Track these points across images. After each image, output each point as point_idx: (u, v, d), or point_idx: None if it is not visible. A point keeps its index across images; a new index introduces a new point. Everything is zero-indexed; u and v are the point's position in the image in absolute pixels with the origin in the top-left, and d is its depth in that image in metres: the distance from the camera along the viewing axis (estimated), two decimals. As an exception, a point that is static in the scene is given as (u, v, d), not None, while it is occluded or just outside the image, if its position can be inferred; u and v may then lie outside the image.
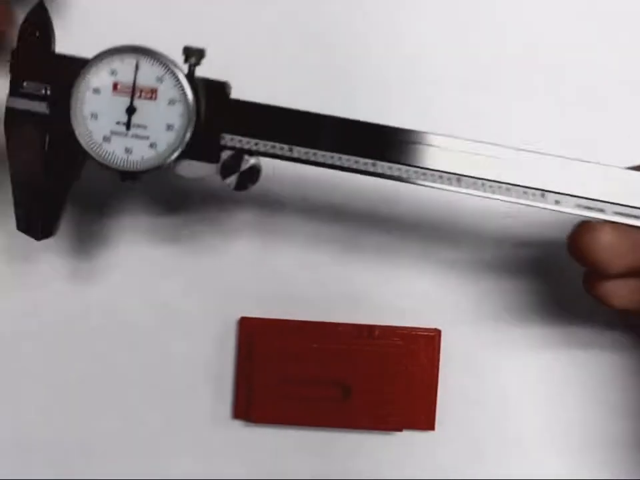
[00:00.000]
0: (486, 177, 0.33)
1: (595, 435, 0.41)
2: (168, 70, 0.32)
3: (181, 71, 0.32)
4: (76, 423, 0.41)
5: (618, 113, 0.41)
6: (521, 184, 0.33)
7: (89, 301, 0.41)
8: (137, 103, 0.32)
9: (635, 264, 0.32)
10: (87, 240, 0.40)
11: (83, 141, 0.32)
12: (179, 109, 0.32)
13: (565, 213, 0.33)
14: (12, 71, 0.33)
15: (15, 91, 0.33)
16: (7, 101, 0.33)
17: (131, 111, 0.32)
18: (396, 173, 0.33)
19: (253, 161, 0.33)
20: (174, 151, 0.32)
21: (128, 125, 0.32)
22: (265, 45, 0.41)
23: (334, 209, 0.41)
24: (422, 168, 0.33)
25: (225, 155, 0.33)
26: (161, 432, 0.41)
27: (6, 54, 0.33)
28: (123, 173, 0.33)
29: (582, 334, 0.41)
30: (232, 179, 0.33)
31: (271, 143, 0.33)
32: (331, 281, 0.41)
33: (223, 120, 0.33)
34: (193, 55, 0.33)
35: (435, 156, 0.33)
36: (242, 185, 0.33)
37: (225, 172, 0.33)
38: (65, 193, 0.34)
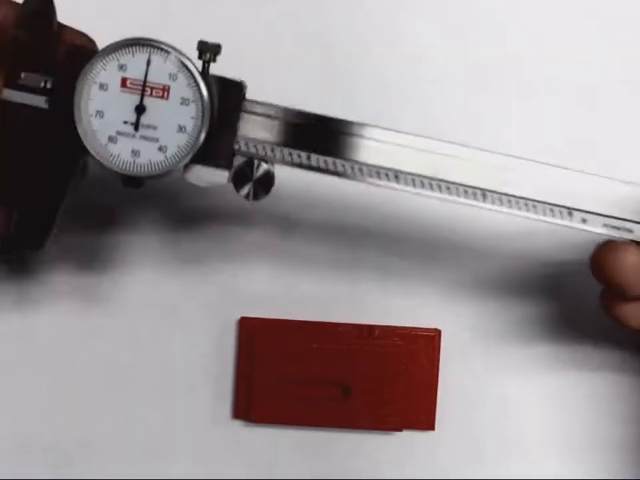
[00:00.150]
0: (511, 193, 0.31)
1: (594, 436, 0.41)
2: (182, 67, 0.30)
3: (196, 68, 0.30)
4: (76, 423, 0.40)
5: (618, 113, 0.41)
6: (547, 201, 0.31)
7: (89, 301, 0.41)
8: (147, 101, 0.30)
9: None
10: (90, 248, 0.41)
11: (86, 140, 0.30)
12: (192, 109, 0.30)
13: (592, 232, 0.32)
14: (8, 60, 0.30)
15: (11, 81, 0.30)
16: (2, 93, 0.30)
17: (140, 109, 0.30)
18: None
19: (265, 166, 0.31)
20: (185, 155, 0.30)
21: (136, 125, 0.30)
22: (265, 45, 0.41)
23: (336, 212, 0.41)
24: (439, 181, 0.31)
25: (238, 161, 0.31)
26: (161, 432, 0.41)
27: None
28: (126, 178, 0.30)
29: (585, 339, 0.41)
30: (246, 190, 0.31)
31: (289, 150, 0.31)
32: (331, 281, 0.41)
33: (237, 123, 0.31)
34: (208, 50, 0.31)
35: (452, 169, 0.31)
36: (256, 195, 0.31)
37: (238, 179, 0.31)
38: (61, 200, 0.31)
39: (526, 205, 0.31)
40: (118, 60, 0.30)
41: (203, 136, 0.30)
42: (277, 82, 0.41)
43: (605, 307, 0.33)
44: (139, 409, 0.41)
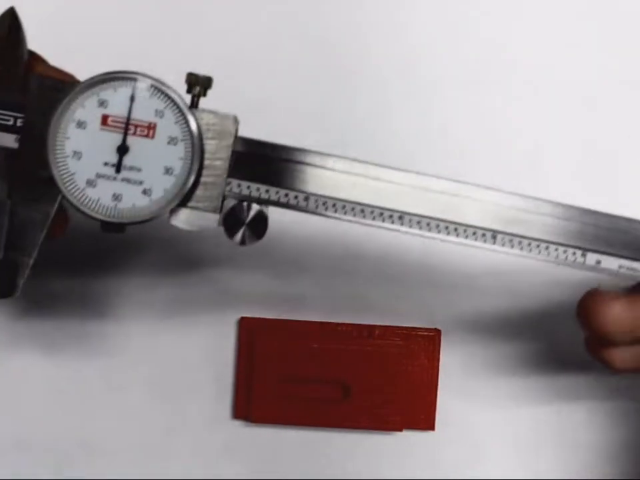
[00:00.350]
0: (524, 235, 0.30)
1: (594, 435, 0.41)
2: (170, 102, 0.28)
3: (185, 104, 0.28)
4: (76, 422, 0.40)
5: (618, 113, 0.41)
6: (561, 242, 0.30)
7: (88, 297, 0.41)
8: (130, 140, 0.27)
9: None
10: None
11: (61, 184, 0.27)
12: (180, 149, 0.28)
13: (607, 273, 0.30)
14: None
15: None
16: None
17: (122, 150, 0.27)
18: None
19: (258, 208, 0.29)
20: (172, 199, 0.28)
21: (118, 167, 0.27)
22: (265, 45, 0.41)
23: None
24: (449, 222, 0.29)
25: (229, 203, 0.29)
26: (161, 432, 0.41)
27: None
28: (106, 224, 0.28)
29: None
30: (238, 235, 0.29)
31: (285, 191, 0.29)
32: (331, 281, 0.41)
33: (229, 162, 0.28)
34: (198, 83, 0.28)
35: (461, 210, 0.29)
36: (249, 239, 0.29)
37: (229, 223, 0.29)
38: (35, 246, 0.28)
39: (538, 246, 0.30)
40: (98, 95, 0.27)
41: (192, 178, 0.28)
42: (277, 82, 0.41)
43: (589, 351, 0.33)
44: (139, 408, 0.41)
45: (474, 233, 0.29)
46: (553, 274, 0.38)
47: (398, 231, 0.29)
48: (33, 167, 0.28)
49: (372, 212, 0.29)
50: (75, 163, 0.27)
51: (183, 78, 0.41)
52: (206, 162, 0.28)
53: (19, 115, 0.28)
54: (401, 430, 0.40)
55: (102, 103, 0.27)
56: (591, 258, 0.30)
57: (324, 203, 0.29)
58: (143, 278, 0.41)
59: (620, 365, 0.32)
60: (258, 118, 0.40)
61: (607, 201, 0.42)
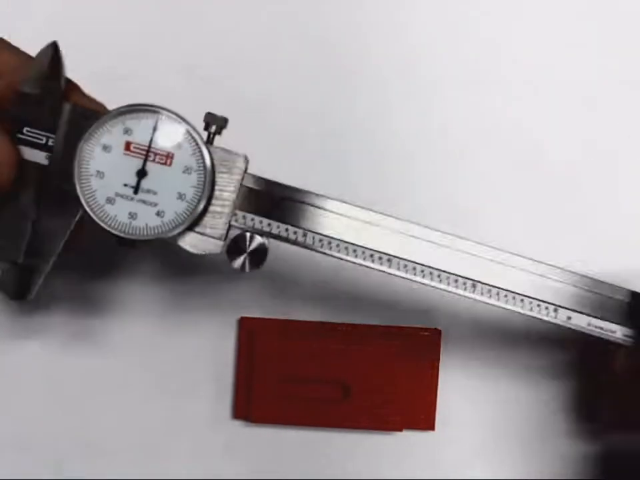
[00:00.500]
0: (502, 287, 0.32)
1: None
2: (188, 136, 0.30)
3: (202, 139, 0.31)
4: (76, 422, 0.40)
5: (618, 113, 0.41)
6: (534, 296, 0.33)
7: (88, 297, 0.41)
8: (149, 166, 0.30)
9: None
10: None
11: (83, 199, 0.30)
12: (193, 178, 0.30)
13: (577, 329, 0.33)
14: (14, 115, 0.31)
15: (12, 136, 0.30)
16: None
17: (141, 174, 0.30)
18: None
19: (260, 240, 0.31)
20: (182, 222, 0.30)
21: (136, 189, 0.30)
22: (265, 45, 0.41)
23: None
24: (432, 269, 0.32)
25: (234, 232, 0.31)
26: (161, 432, 0.41)
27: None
28: (121, 238, 0.30)
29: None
30: (239, 262, 0.32)
31: (285, 226, 0.32)
32: (331, 281, 0.41)
33: (236, 195, 0.31)
34: (215, 123, 0.31)
35: (453, 260, 0.32)
36: (248, 267, 0.32)
37: (231, 250, 0.31)
38: (52, 254, 0.31)
39: (514, 298, 0.32)
40: (124, 123, 0.30)
41: (202, 205, 0.30)
42: (277, 82, 0.41)
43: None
44: (139, 409, 0.41)
45: (456, 281, 0.32)
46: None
47: (384, 272, 0.32)
48: (59, 182, 0.31)
49: (363, 252, 0.32)
50: (97, 182, 0.30)
51: (183, 78, 0.41)
52: (216, 192, 0.31)
53: (51, 135, 0.31)
54: (401, 430, 0.40)
55: (127, 131, 0.30)
56: (562, 314, 0.33)
57: (320, 240, 0.32)
58: (143, 278, 0.41)
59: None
60: (258, 118, 0.41)
61: (607, 201, 0.42)
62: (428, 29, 0.41)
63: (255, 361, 0.40)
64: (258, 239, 0.31)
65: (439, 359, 0.40)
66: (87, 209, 0.30)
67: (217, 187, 0.31)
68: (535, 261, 0.33)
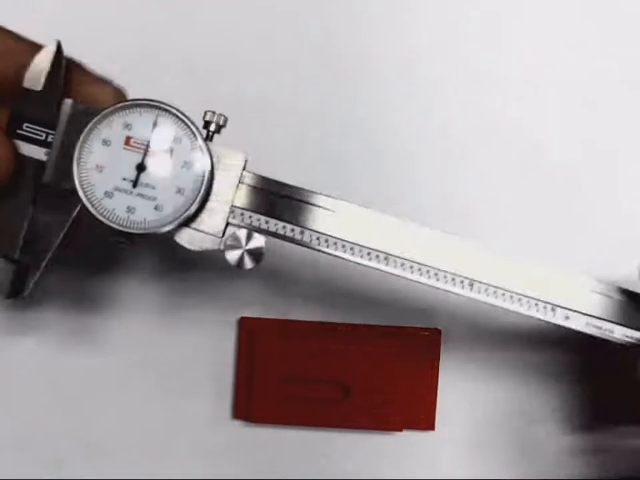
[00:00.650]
0: (499, 286, 0.32)
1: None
2: (188, 132, 0.30)
3: (201, 135, 0.31)
4: (76, 422, 0.40)
5: (618, 113, 0.41)
6: (532, 296, 0.32)
7: (88, 297, 0.41)
8: (149, 161, 0.30)
9: None
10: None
11: (82, 193, 0.30)
12: (192, 173, 0.30)
13: (573, 329, 0.33)
14: (13, 110, 0.31)
15: (11, 131, 0.31)
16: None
17: (141, 168, 0.30)
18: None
19: (258, 237, 0.31)
20: (180, 216, 0.30)
21: (135, 183, 0.30)
22: (265, 45, 0.41)
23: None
24: (430, 267, 0.32)
25: (231, 229, 0.31)
26: (161, 432, 0.41)
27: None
28: (118, 232, 0.30)
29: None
30: (236, 259, 0.31)
31: (282, 224, 0.31)
32: (331, 281, 0.41)
33: (234, 192, 0.31)
34: (214, 121, 0.31)
35: (449, 258, 0.32)
36: (245, 263, 0.31)
37: (229, 246, 0.31)
38: (49, 250, 0.31)
39: (511, 297, 0.32)
40: (124, 118, 0.30)
41: (199, 200, 0.30)
42: (277, 82, 0.41)
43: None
44: (139, 409, 0.41)
45: (453, 279, 0.32)
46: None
47: (382, 271, 0.32)
48: (57, 178, 0.31)
49: (360, 250, 0.32)
50: (96, 175, 0.30)
51: (183, 77, 0.41)
52: (214, 189, 0.31)
53: (50, 131, 0.31)
54: (400, 430, 0.40)
55: (127, 126, 0.30)
56: (560, 313, 0.33)
57: (317, 238, 0.32)
58: (143, 277, 0.41)
59: None
60: (258, 118, 0.41)
61: (607, 201, 0.42)
62: (428, 29, 0.41)
63: (254, 361, 0.40)
64: (256, 237, 0.31)
65: (438, 359, 0.40)
66: (85, 202, 0.30)
67: (215, 184, 0.31)
68: (535, 261, 0.33)
